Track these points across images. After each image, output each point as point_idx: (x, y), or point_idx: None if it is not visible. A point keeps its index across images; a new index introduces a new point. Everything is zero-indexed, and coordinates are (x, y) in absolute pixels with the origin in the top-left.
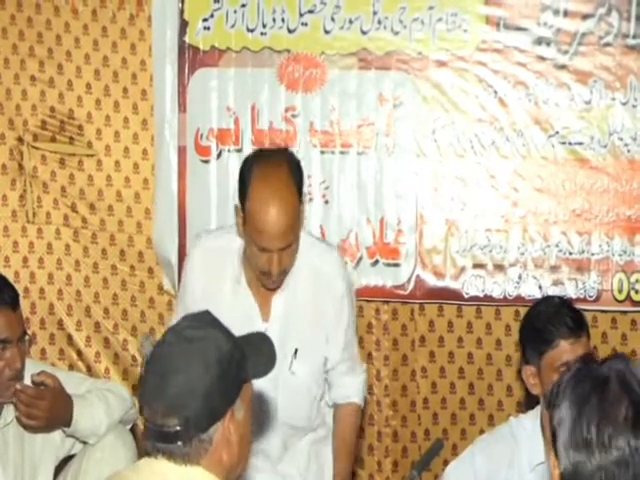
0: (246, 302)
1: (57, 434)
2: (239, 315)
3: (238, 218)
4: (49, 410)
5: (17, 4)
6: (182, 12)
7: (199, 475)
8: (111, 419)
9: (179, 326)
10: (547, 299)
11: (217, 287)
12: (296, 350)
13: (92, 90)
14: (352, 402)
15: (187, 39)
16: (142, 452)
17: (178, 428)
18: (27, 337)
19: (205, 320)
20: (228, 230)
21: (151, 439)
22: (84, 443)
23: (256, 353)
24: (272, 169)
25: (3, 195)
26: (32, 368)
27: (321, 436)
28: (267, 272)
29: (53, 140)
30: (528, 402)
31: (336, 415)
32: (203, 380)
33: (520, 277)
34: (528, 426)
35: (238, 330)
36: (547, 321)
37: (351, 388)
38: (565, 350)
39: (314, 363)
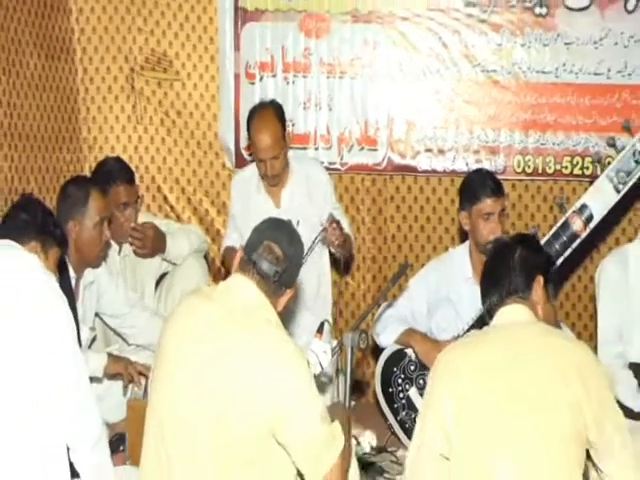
0: (265, 199)
1: (156, 260)
2: (263, 207)
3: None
4: (153, 241)
5: None
6: None
7: (269, 305)
8: (191, 248)
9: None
10: (478, 170)
11: (247, 200)
12: (298, 221)
13: (179, 38)
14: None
15: (240, 3)
16: (212, 271)
17: (278, 270)
18: (139, 200)
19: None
20: (254, 164)
21: (259, 262)
22: (174, 264)
23: None
24: (263, 110)
25: (122, 106)
26: (142, 217)
27: (322, 267)
28: (265, 175)
29: (153, 70)
30: (460, 238)
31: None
32: (300, 256)
33: (454, 158)
34: (460, 254)
35: (265, 214)
36: (477, 184)
37: (341, 221)
38: (488, 204)
39: (311, 227)
